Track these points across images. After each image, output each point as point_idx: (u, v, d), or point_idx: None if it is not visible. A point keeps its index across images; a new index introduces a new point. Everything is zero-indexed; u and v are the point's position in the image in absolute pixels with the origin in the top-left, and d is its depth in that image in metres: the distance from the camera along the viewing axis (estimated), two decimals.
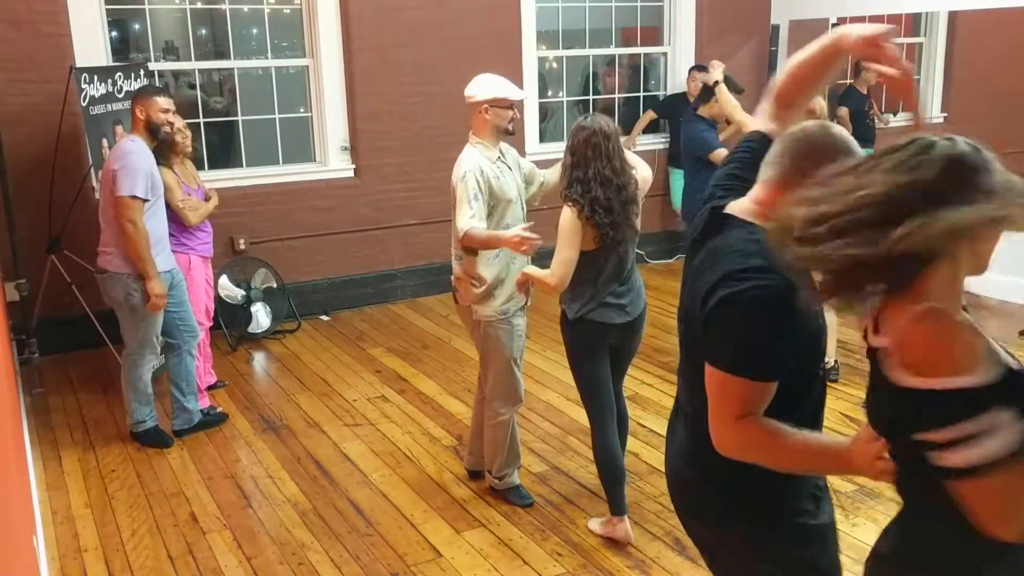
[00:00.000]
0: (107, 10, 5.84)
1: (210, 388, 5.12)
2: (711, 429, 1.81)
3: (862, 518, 3.64)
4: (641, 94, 8.07)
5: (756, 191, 1.87)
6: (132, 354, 4.44)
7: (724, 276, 1.77)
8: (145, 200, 4.20)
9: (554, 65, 7.73)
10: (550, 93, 7.78)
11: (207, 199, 4.94)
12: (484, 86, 3.66)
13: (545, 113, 7.72)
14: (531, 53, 7.21)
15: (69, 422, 4.84)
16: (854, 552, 3.42)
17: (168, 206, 4.52)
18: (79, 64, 5.43)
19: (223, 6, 6.28)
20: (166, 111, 4.34)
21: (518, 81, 7.11)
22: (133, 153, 4.20)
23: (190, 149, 4.86)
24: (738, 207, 1.89)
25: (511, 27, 7.04)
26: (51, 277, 5.42)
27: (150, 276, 4.24)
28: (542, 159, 6.03)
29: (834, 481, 3.95)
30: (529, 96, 7.18)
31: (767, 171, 1.85)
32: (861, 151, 1.78)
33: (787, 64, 1.95)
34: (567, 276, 3.30)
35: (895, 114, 8.68)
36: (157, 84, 5.70)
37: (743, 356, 1.75)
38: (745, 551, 1.99)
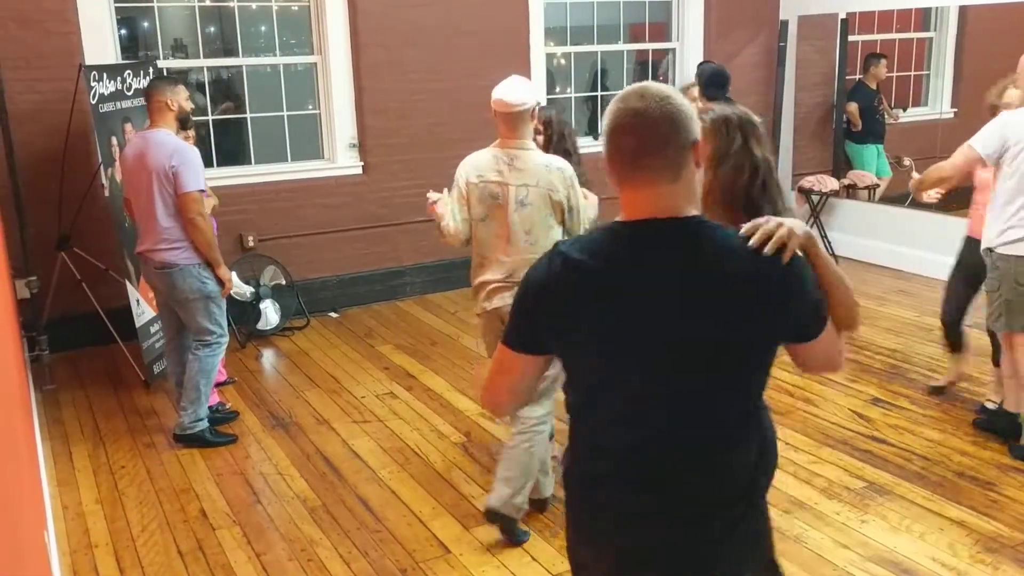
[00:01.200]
0: (116, 8, 5.86)
1: (220, 385, 5.14)
2: (839, 366, 1.85)
3: (872, 515, 3.63)
4: None
5: None
6: (213, 343, 4.42)
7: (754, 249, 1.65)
8: (204, 191, 4.30)
9: (562, 61, 7.72)
10: (558, 89, 7.77)
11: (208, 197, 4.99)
12: (530, 87, 3.48)
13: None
14: (539, 49, 7.20)
15: (79, 418, 4.86)
16: (863, 549, 3.42)
17: None
18: (88, 62, 5.45)
19: (231, 3, 6.29)
20: (188, 98, 4.39)
21: (526, 77, 7.10)
22: (186, 148, 4.25)
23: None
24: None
25: (519, 23, 7.03)
26: (61, 274, 5.44)
27: (219, 263, 4.35)
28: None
29: (843, 478, 3.95)
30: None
31: None
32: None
33: None
34: None
35: (904, 109, 8.64)
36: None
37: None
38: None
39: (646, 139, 1.65)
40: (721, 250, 1.66)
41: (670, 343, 1.65)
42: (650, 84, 1.71)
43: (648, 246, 1.67)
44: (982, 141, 3.98)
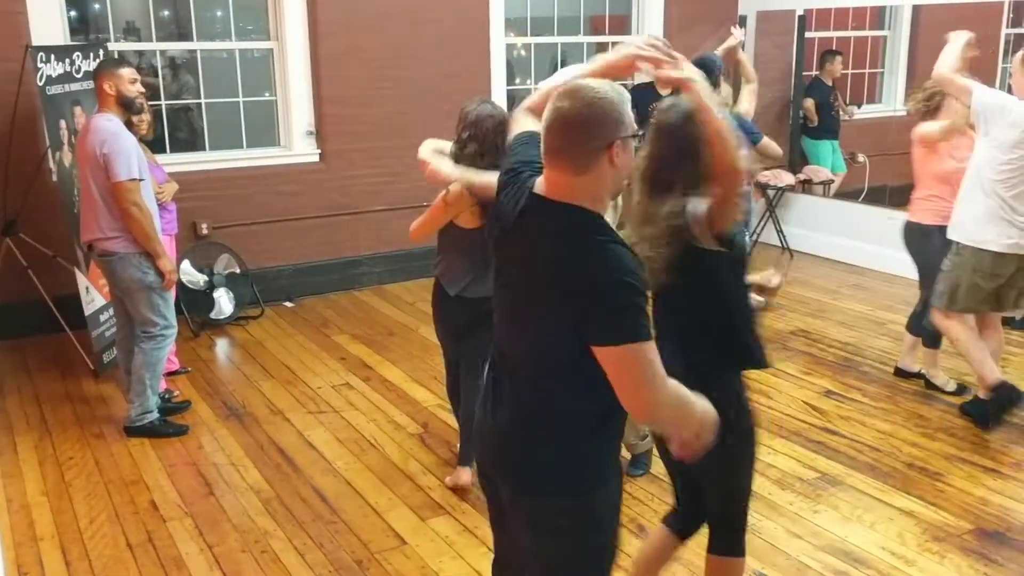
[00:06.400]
0: None
1: (172, 374, 5.05)
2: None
3: (824, 505, 3.68)
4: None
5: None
6: (157, 335, 4.31)
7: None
8: (141, 180, 4.14)
9: (522, 52, 7.70)
10: (518, 80, 7.75)
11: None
12: None
13: (513, 100, 7.68)
14: (499, 40, 7.18)
15: (25, 409, 4.74)
16: (815, 539, 3.46)
17: None
18: (35, 43, 5.30)
19: None
20: (135, 81, 4.23)
21: (486, 69, 7.08)
22: (119, 134, 4.10)
23: (145, 131, 4.75)
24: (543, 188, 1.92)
25: (480, 13, 7.00)
26: (6, 261, 5.31)
27: (159, 254, 4.21)
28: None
29: (796, 469, 4.00)
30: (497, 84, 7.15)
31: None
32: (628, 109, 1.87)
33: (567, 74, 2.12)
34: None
35: (859, 106, 8.77)
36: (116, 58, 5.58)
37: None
38: None
39: (560, 140, 1.83)
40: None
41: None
42: (584, 84, 1.85)
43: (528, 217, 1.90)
44: (985, 91, 4.09)
